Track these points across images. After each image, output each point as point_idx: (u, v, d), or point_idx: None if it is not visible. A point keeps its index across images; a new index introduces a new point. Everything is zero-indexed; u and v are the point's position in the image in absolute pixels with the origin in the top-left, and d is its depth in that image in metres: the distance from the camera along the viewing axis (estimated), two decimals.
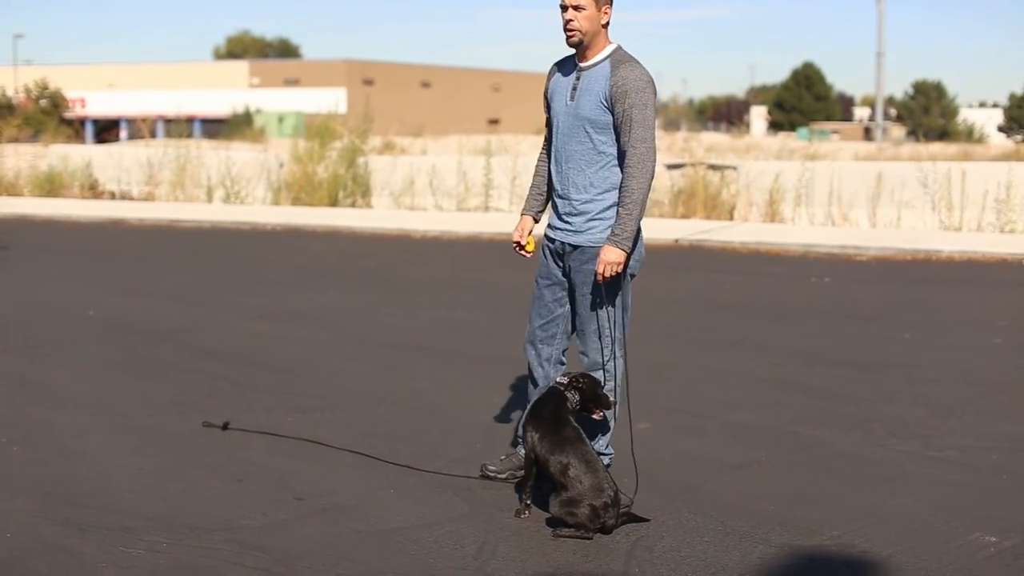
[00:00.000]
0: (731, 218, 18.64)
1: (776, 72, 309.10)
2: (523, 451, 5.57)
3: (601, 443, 5.71)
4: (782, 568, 4.89)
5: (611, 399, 5.54)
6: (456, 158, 21.98)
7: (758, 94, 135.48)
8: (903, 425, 6.98)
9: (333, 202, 21.33)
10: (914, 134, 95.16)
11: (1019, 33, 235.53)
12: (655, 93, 5.54)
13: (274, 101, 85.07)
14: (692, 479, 6.00)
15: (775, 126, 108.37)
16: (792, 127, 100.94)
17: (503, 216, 18.93)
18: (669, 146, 42.49)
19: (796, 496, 5.74)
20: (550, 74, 5.85)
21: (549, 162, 5.81)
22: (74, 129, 56.31)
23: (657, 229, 16.27)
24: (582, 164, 5.59)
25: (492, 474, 5.94)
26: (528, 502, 5.43)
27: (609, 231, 5.52)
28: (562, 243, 5.68)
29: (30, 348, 9.31)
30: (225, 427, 6.84)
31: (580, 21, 5.46)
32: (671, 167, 20.04)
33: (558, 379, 5.53)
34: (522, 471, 5.60)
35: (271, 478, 6.03)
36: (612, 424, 5.77)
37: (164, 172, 23.33)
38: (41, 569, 4.84)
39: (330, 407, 7.46)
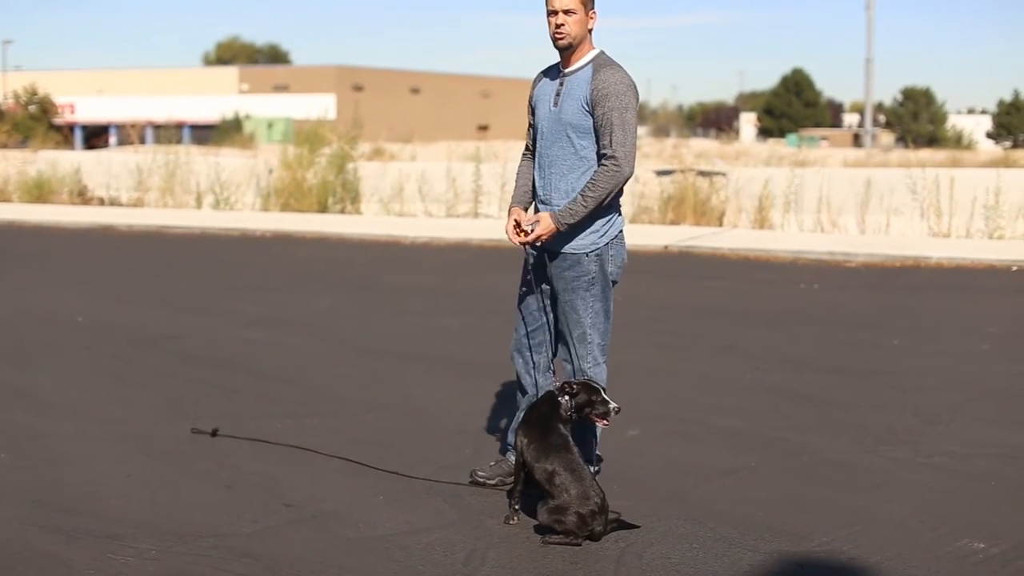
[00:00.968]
0: (720, 224, 18.67)
1: (765, 78, 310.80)
2: (513, 457, 5.57)
3: (589, 450, 5.70)
4: (771, 575, 4.89)
5: (611, 407, 5.42)
6: (445, 164, 21.98)
7: (747, 100, 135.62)
8: (892, 431, 6.99)
9: (322, 208, 21.32)
10: (903, 140, 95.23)
11: (1008, 40, 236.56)
12: (637, 97, 5.55)
13: (263, 107, 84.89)
14: (681, 485, 6.00)
15: (764, 132, 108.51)
16: (781, 133, 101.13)
17: (492, 222, 18.93)
18: (658, 152, 42.60)
19: (785, 502, 5.75)
20: (535, 81, 5.86)
21: (533, 168, 5.80)
22: (63, 135, 56.35)
23: (646, 235, 16.30)
24: (564, 169, 5.60)
25: (481, 480, 5.94)
26: (517, 508, 5.43)
27: (591, 236, 5.55)
28: (545, 249, 5.68)
29: (19, 354, 9.29)
30: (214, 434, 6.82)
31: (570, 25, 5.48)
32: (660, 173, 20.06)
33: (554, 385, 5.53)
34: (511, 477, 5.61)
35: (260, 485, 6.01)
36: (598, 430, 5.77)
37: (153, 178, 23.30)
38: None
39: (319, 413, 7.45)
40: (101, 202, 23.87)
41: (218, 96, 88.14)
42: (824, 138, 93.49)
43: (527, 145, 5.92)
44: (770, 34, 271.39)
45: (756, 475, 6.21)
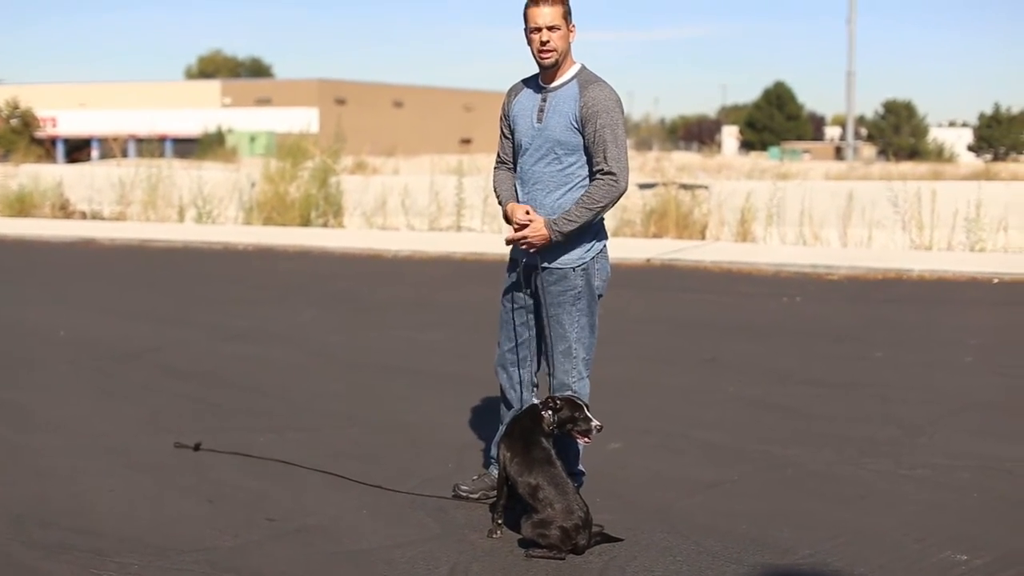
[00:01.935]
0: (703, 237, 18.70)
1: (747, 91, 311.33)
2: (496, 471, 5.56)
3: (572, 463, 5.69)
4: None
5: (593, 424, 5.39)
6: (428, 178, 22.02)
7: (729, 113, 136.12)
8: (875, 444, 7.01)
9: (305, 222, 21.30)
10: (885, 153, 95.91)
11: (988, 53, 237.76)
12: (623, 112, 5.56)
13: (246, 120, 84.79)
14: (665, 498, 6.00)
15: (746, 145, 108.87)
16: (763, 146, 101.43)
17: (475, 236, 18.93)
18: (641, 166, 42.67)
19: (769, 515, 5.75)
20: (511, 93, 5.79)
21: (515, 180, 5.76)
22: (45, 148, 56.08)
23: (629, 248, 16.30)
24: (551, 186, 5.57)
25: (465, 494, 5.93)
26: (500, 522, 5.42)
27: (578, 251, 5.54)
28: (529, 264, 5.67)
29: (0, 369, 9.25)
30: (197, 448, 6.80)
31: (556, 41, 5.46)
32: (643, 187, 20.10)
33: (541, 398, 5.52)
34: (495, 491, 5.60)
35: (243, 499, 6.00)
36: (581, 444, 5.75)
37: (135, 192, 23.25)
38: None
39: (302, 427, 7.44)
40: (83, 216, 23.82)
41: (200, 109, 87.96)
42: (806, 151, 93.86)
43: (499, 156, 5.88)
44: (752, 48, 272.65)
45: (739, 488, 6.22)
